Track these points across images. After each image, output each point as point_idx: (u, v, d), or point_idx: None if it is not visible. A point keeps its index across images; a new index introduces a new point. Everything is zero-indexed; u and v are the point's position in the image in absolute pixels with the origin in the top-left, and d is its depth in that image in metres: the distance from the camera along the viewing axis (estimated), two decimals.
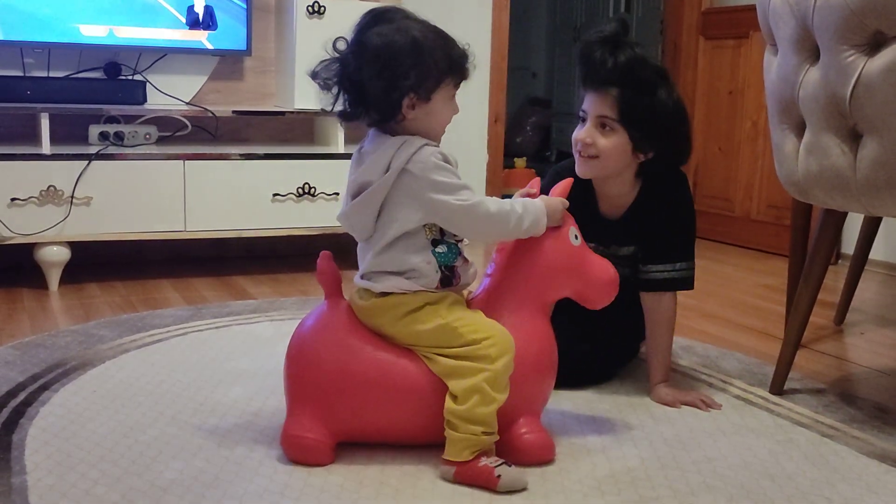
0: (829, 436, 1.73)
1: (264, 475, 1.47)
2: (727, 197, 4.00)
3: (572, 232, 1.62)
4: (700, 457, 1.61)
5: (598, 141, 1.80)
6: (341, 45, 1.51)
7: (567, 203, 1.62)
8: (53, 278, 2.76)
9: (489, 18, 3.81)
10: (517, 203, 1.54)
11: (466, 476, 1.45)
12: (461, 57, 1.52)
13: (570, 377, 1.91)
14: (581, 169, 1.84)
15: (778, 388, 1.95)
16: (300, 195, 2.96)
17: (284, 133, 3.35)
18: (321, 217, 2.99)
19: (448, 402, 1.47)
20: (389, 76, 1.45)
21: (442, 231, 1.53)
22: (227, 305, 2.60)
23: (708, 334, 2.48)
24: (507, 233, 1.55)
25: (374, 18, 1.49)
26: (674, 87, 1.85)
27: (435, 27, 1.52)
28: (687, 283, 1.91)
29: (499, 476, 1.42)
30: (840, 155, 1.67)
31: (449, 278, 1.55)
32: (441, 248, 1.53)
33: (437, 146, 1.51)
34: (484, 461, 1.44)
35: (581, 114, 1.84)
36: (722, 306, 2.84)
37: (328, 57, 1.51)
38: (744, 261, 3.65)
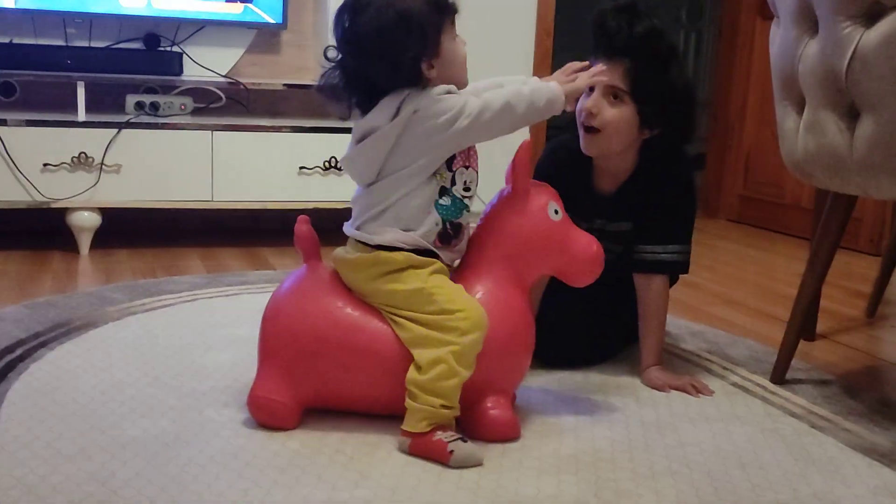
0: (819, 427, 1.66)
1: (223, 437, 1.48)
2: (779, 184, 3.87)
3: (552, 206, 1.58)
4: (673, 441, 1.56)
5: (605, 111, 1.75)
6: (333, 54, 1.52)
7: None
8: (84, 243, 2.84)
9: (534, 12, 3.72)
10: (525, 87, 1.52)
11: (420, 449, 1.43)
12: None
13: (565, 355, 1.88)
14: (586, 145, 1.80)
15: (779, 377, 1.88)
16: (326, 168, 2.97)
17: (319, 107, 3.34)
18: (347, 191, 2.93)
19: (411, 372, 1.45)
20: (394, 57, 1.44)
21: (453, 180, 1.52)
22: (244, 275, 2.62)
23: (726, 321, 2.40)
24: (523, 119, 1.53)
25: (351, 12, 1.47)
26: (683, 64, 1.80)
27: None
28: (679, 267, 1.85)
29: (451, 451, 1.40)
30: (837, 133, 1.59)
31: (448, 236, 1.53)
32: (445, 200, 1.52)
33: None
34: (439, 435, 1.42)
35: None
36: (751, 294, 2.75)
37: (326, 67, 1.51)
38: (788, 249, 3.53)
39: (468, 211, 1.56)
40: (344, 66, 1.50)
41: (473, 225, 1.59)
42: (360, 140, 1.52)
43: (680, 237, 1.83)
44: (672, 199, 1.82)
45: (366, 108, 1.51)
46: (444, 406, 1.43)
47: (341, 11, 1.48)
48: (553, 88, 1.54)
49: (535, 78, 1.58)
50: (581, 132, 1.79)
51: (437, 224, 1.52)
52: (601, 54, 1.75)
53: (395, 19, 1.44)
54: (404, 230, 1.51)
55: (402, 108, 1.47)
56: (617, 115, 1.74)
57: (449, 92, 1.49)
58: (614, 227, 1.86)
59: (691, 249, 1.85)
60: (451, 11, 1.50)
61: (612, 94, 1.74)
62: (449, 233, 1.54)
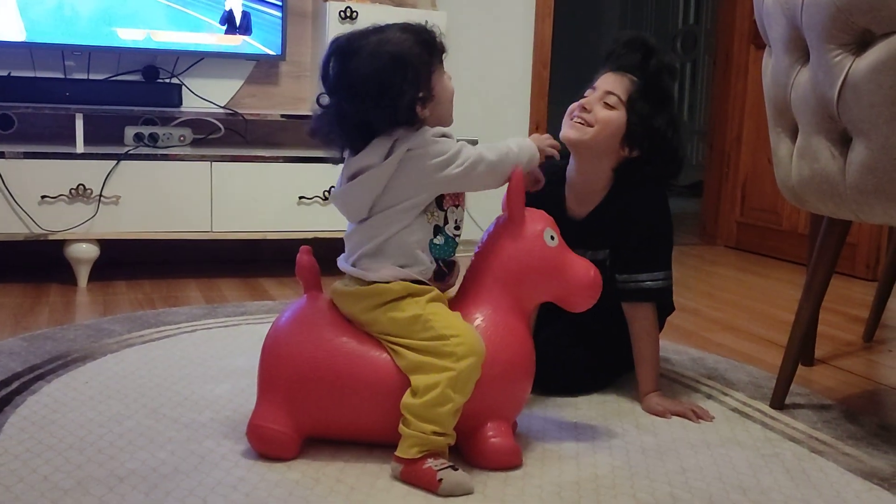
0: (818, 451, 1.65)
1: (223, 468, 1.47)
2: (775, 210, 3.88)
3: (548, 233, 1.59)
4: (675, 467, 1.55)
5: (597, 110, 1.80)
6: (325, 100, 1.52)
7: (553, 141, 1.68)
8: (82, 275, 2.84)
9: (532, 29, 3.77)
10: (512, 142, 1.59)
11: (410, 476, 1.42)
12: (431, 38, 1.52)
13: (564, 384, 1.88)
14: (569, 132, 1.82)
15: (778, 402, 1.88)
16: (326, 198, 2.98)
17: None
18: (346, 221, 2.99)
19: (406, 396, 1.45)
20: (390, 101, 1.46)
21: (446, 219, 1.54)
22: (243, 305, 2.62)
23: (726, 347, 2.40)
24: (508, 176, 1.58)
25: (341, 57, 1.48)
26: (675, 107, 1.88)
27: (395, 26, 1.51)
28: (664, 294, 1.86)
29: (440, 480, 1.39)
30: (830, 159, 1.60)
31: (442, 273, 1.55)
32: (439, 240, 1.54)
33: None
34: (429, 463, 1.41)
35: (588, 91, 1.84)
36: (750, 320, 2.75)
37: (317, 112, 1.53)
38: (787, 275, 3.54)
39: (456, 248, 1.58)
40: (337, 110, 1.50)
41: (467, 255, 1.60)
42: (351, 177, 1.53)
43: (662, 264, 1.85)
44: (650, 227, 1.84)
45: (358, 147, 1.52)
46: (436, 433, 1.42)
47: (329, 56, 1.49)
48: (531, 146, 1.61)
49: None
50: (567, 122, 1.83)
51: (432, 263, 1.54)
52: (611, 65, 1.83)
53: (388, 62, 1.45)
54: (401, 267, 1.51)
55: (395, 147, 1.49)
56: (608, 117, 1.80)
57: (444, 135, 1.52)
58: (591, 256, 1.86)
59: (672, 274, 1.87)
60: (441, 51, 1.53)
61: (608, 101, 1.79)
62: (444, 270, 1.57)
